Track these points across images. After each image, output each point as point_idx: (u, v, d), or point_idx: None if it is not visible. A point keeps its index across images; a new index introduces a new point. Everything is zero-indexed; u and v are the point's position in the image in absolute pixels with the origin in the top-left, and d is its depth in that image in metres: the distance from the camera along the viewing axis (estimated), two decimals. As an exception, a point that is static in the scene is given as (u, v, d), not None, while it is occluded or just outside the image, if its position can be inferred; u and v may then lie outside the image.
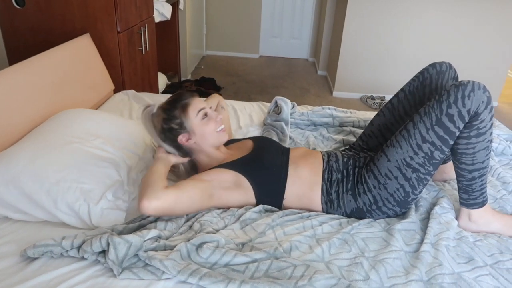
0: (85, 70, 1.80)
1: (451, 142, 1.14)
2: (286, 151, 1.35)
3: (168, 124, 1.24)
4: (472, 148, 1.13)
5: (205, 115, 1.26)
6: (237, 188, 1.21)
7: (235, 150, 1.37)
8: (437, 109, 1.11)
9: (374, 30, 3.64)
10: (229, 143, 1.44)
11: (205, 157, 1.31)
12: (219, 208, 1.22)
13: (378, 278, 0.98)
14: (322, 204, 1.25)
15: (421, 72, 1.35)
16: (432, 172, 1.19)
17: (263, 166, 1.25)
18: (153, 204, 1.03)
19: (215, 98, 1.59)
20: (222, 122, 1.53)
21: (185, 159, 1.31)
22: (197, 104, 1.26)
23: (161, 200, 1.05)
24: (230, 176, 1.21)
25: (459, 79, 1.12)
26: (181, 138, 1.25)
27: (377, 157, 1.23)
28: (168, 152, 1.28)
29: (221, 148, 1.35)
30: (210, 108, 1.31)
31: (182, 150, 1.28)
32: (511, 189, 1.38)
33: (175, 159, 1.28)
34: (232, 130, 1.78)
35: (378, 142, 1.42)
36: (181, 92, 1.30)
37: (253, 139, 1.42)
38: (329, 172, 1.27)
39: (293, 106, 1.95)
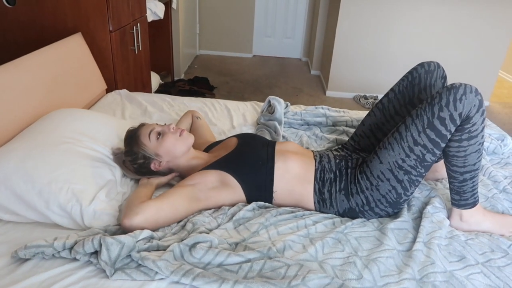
0: (77, 70, 1.79)
1: (443, 145, 1.14)
2: (272, 143, 1.36)
3: (136, 163, 1.28)
4: (463, 151, 1.14)
5: (158, 134, 1.28)
6: (224, 187, 1.21)
7: (219, 151, 1.38)
8: (429, 112, 1.12)
9: (367, 30, 3.65)
10: (213, 146, 1.45)
11: (186, 168, 1.33)
12: (210, 209, 1.22)
13: (371, 277, 0.98)
14: (314, 203, 1.25)
15: (410, 72, 1.36)
16: (424, 174, 1.19)
17: (247, 161, 1.26)
18: (134, 220, 1.04)
19: (187, 115, 1.66)
20: (200, 129, 1.59)
21: (169, 177, 1.34)
22: (145, 131, 1.28)
23: (140, 214, 1.05)
24: (214, 176, 1.22)
25: (451, 80, 1.13)
26: (154, 166, 1.29)
27: (369, 159, 1.24)
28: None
29: (200, 155, 1.35)
30: (158, 124, 1.33)
31: (164, 173, 1.33)
32: (502, 188, 1.40)
33: (157, 180, 1.30)
34: (224, 130, 1.78)
35: (369, 142, 1.43)
36: (129, 129, 1.33)
37: (238, 136, 1.43)
38: (322, 172, 1.27)
39: (287, 106, 1.95)
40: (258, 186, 1.24)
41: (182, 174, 1.35)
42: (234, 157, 1.28)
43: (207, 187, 1.20)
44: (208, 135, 1.60)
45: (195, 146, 1.46)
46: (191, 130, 1.63)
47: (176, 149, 1.28)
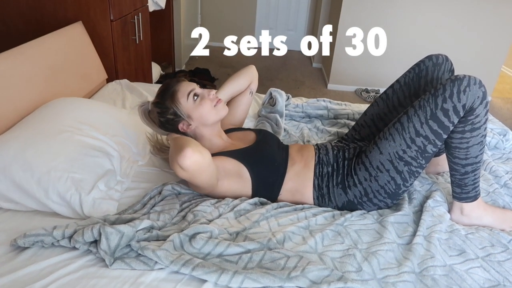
0: (78, 59, 1.77)
1: (445, 136, 1.14)
2: (286, 147, 1.35)
3: (164, 117, 1.23)
4: (466, 142, 1.14)
5: (196, 95, 1.24)
6: (237, 178, 1.21)
7: (236, 140, 1.35)
8: (432, 103, 1.11)
9: (369, 23, 3.62)
10: (230, 131, 1.42)
11: (207, 142, 1.29)
12: (214, 198, 1.21)
13: (371, 269, 0.98)
14: (314, 199, 1.25)
15: (417, 64, 1.35)
16: (424, 165, 1.19)
17: (266, 160, 1.25)
18: (195, 156, 1.01)
19: (249, 74, 1.46)
20: (241, 107, 1.49)
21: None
22: (184, 88, 1.23)
23: (203, 156, 1.03)
24: (232, 164, 1.21)
25: (456, 75, 1.11)
26: (181, 126, 1.24)
27: (369, 149, 1.23)
28: None
29: (222, 135, 1.33)
30: (199, 86, 1.27)
31: (186, 135, 1.27)
32: (503, 183, 1.39)
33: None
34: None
35: (370, 132, 1.42)
36: (167, 81, 1.27)
37: (256, 131, 1.40)
38: (320, 166, 1.26)
39: (288, 98, 1.94)
40: (268, 185, 1.24)
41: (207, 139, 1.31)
42: (254, 152, 1.26)
43: (224, 173, 1.19)
44: (241, 118, 1.51)
45: (222, 120, 1.38)
46: (232, 100, 1.48)
47: (209, 117, 1.24)
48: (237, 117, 1.50)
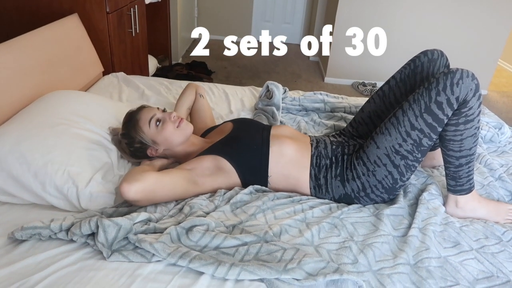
0: (74, 51, 1.76)
1: (440, 129, 1.15)
2: (268, 127, 1.36)
3: (132, 147, 1.27)
4: (460, 135, 1.15)
5: (158, 121, 1.26)
6: (220, 172, 1.21)
7: (214, 136, 1.38)
8: (426, 96, 1.12)
9: (366, 16, 3.61)
10: (209, 131, 1.45)
11: (182, 155, 1.32)
12: (206, 193, 1.22)
13: (367, 261, 0.99)
14: (310, 188, 1.26)
15: (413, 60, 1.35)
16: (420, 159, 1.20)
17: (242, 144, 1.25)
18: (133, 186, 1.03)
19: (191, 91, 1.60)
20: (201, 111, 1.57)
21: (170, 160, 1.34)
22: (145, 116, 1.26)
23: (141, 181, 1.04)
24: (210, 161, 1.22)
25: (448, 69, 1.12)
26: (150, 152, 1.28)
27: (366, 144, 1.23)
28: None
29: (195, 141, 1.34)
30: (159, 109, 1.30)
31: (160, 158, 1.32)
32: (498, 176, 1.40)
33: (160, 162, 1.30)
34: (222, 115, 1.77)
35: (368, 129, 1.42)
36: (129, 112, 1.31)
37: (233, 120, 1.42)
38: (318, 157, 1.27)
39: (285, 91, 1.94)
40: (253, 170, 1.24)
41: (177, 160, 1.35)
42: (228, 141, 1.28)
43: (203, 172, 1.20)
44: (208, 119, 1.58)
45: (193, 131, 1.45)
46: (192, 110, 1.60)
47: (174, 139, 1.27)
48: (205, 120, 1.56)
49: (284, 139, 1.28)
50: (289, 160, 1.25)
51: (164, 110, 1.31)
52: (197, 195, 1.19)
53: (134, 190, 1.03)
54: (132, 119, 1.27)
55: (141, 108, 1.30)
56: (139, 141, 1.26)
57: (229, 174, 1.22)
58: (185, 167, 1.19)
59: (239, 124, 1.37)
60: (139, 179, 1.05)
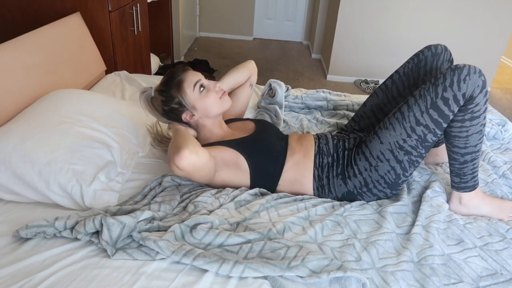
0: (76, 50, 1.77)
1: (445, 125, 1.14)
2: (285, 137, 1.35)
3: (168, 106, 1.23)
4: (465, 131, 1.14)
5: (202, 86, 1.24)
6: (234, 168, 1.21)
7: (235, 130, 1.35)
8: (433, 92, 1.12)
9: (369, 13, 3.60)
10: (230, 121, 1.42)
11: (208, 132, 1.29)
12: (214, 188, 1.22)
13: (370, 259, 0.99)
14: (314, 189, 1.25)
15: (417, 54, 1.35)
16: (424, 155, 1.19)
17: (264, 149, 1.25)
18: (192, 158, 1.02)
19: (246, 72, 1.47)
20: (241, 100, 1.50)
21: (195, 134, 1.30)
22: (191, 78, 1.23)
23: (200, 156, 1.05)
24: (230, 154, 1.21)
25: (456, 64, 1.12)
26: (185, 116, 1.24)
27: (369, 139, 1.23)
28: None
29: (223, 125, 1.33)
30: (204, 77, 1.27)
31: (188, 125, 1.28)
32: (502, 173, 1.40)
33: (193, 132, 1.27)
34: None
35: (369, 122, 1.42)
36: (173, 70, 1.26)
37: (255, 121, 1.40)
38: (320, 156, 1.27)
39: (287, 89, 1.94)
40: (266, 176, 1.24)
41: (201, 136, 1.31)
42: (252, 141, 1.26)
43: (223, 162, 1.19)
44: (241, 110, 1.52)
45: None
46: (233, 92, 1.50)
47: (213, 109, 1.24)
48: (238, 109, 1.50)
49: (296, 147, 1.29)
50: (297, 167, 1.25)
51: (207, 78, 1.27)
52: (201, 191, 1.19)
53: (189, 161, 1.02)
54: (176, 78, 1.23)
55: (187, 69, 1.26)
56: (178, 102, 1.22)
57: (243, 173, 1.22)
58: (209, 151, 1.16)
59: (261, 127, 1.35)
60: (199, 153, 1.04)
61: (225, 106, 1.27)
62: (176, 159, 1.02)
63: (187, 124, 1.28)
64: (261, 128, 1.34)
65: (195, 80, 1.23)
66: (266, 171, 1.24)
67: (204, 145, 1.21)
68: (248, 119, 1.44)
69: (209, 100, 1.23)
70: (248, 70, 1.48)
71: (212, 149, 1.18)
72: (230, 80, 1.43)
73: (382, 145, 1.19)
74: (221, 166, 1.19)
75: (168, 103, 1.22)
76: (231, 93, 1.49)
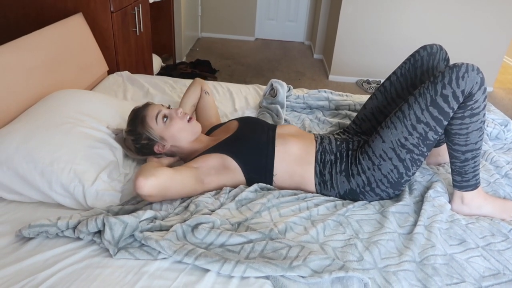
0: (78, 51, 1.77)
1: (445, 123, 1.15)
2: (273, 127, 1.36)
3: (138, 143, 1.27)
4: (465, 128, 1.15)
5: (164, 117, 1.26)
6: (225, 171, 1.22)
7: (219, 135, 1.38)
8: (432, 90, 1.12)
9: (371, 14, 3.60)
10: (214, 129, 1.45)
11: (188, 152, 1.32)
12: (212, 191, 1.22)
13: (372, 259, 0.99)
14: (315, 185, 1.26)
15: (413, 55, 1.35)
16: (426, 153, 1.20)
17: (247, 143, 1.26)
18: (149, 181, 1.04)
19: (196, 87, 1.58)
20: (207, 108, 1.56)
21: (176, 159, 1.34)
22: (152, 112, 1.26)
23: (156, 176, 1.05)
24: (215, 159, 1.22)
25: (454, 62, 1.13)
26: (157, 148, 1.28)
27: (371, 139, 1.24)
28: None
29: (202, 139, 1.35)
30: (164, 106, 1.31)
31: (166, 156, 1.32)
32: (504, 173, 1.40)
33: (167, 161, 1.30)
34: (227, 113, 1.78)
35: (371, 125, 1.43)
36: (134, 109, 1.31)
37: (238, 119, 1.42)
38: (322, 153, 1.27)
39: (289, 89, 1.94)
40: (258, 169, 1.24)
41: (183, 158, 1.35)
42: (234, 139, 1.28)
43: (209, 171, 1.20)
44: (213, 117, 1.58)
45: None
46: (197, 108, 1.59)
47: (182, 136, 1.28)
48: (210, 118, 1.56)
49: (289, 138, 1.29)
50: (294, 159, 1.25)
51: (169, 107, 1.31)
52: (202, 193, 1.19)
53: (149, 185, 1.04)
54: (139, 116, 1.27)
55: (147, 105, 1.30)
56: (146, 137, 1.25)
57: (234, 172, 1.23)
58: (192, 165, 1.20)
59: (244, 123, 1.37)
60: (154, 174, 1.06)
61: (196, 130, 1.30)
62: (137, 190, 1.04)
63: (163, 154, 1.31)
64: (243, 125, 1.36)
65: (156, 112, 1.26)
66: (257, 165, 1.24)
67: (189, 161, 1.24)
68: (232, 119, 1.45)
69: (175, 128, 1.26)
70: (197, 85, 1.59)
71: (193, 162, 1.21)
72: (186, 101, 1.54)
73: (385, 144, 1.19)
74: (209, 173, 1.20)
75: (138, 141, 1.27)
76: (197, 109, 1.58)
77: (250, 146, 1.25)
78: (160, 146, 1.27)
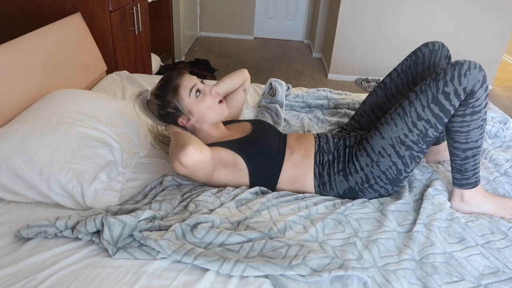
0: (77, 50, 1.77)
1: (446, 120, 1.15)
2: (284, 136, 1.35)
3: (164, 110, 1.23)
4: (466, 126, 1.14)
5: (198, 91, 1.23)
6: (232, 168, 1.22)
7: (233, 131, 1.36)
8: (434, 87, 1.12)
9: (370, 12, 3.60)
10: (227, 123, 1.43)
11: (204, 135, 1.29)
12: (214, 187, 1.22)
13: (371, 257, 0.99)
14: (315, 187, 1.26)
15: (414, 52, 1.35)
16: (425, 150, 1.19)
17: (262, 149, 1.25)
18: (196, 154, 1.04)
19: (239, 78, 1.49)
20: (234, 103, 1.52)
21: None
22: (187, 83, 1.23)
23: (203, 153, 1.06)
24: (228, 155, 1.21)
25: (456, 60, 1.12)
26: (181, 121, 1.25)
27: (370, 135, 1.23)
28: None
29: (220, 127, 1.33)
30: (201, 81, 1.28)
31: (185, 129, 1.28)
32: (504, 171, 1.40)
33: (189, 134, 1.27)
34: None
35: (369, 120, 1.42)
36: (169, 74, 1.26)
37: (252, 121, 1.41)
38: (320, 154, 1.27)
39: (288, 88, 1.94)
40: (265, 174, 1.24)
41: (198, 138, 1.29)
42: (249, 141, 1.27)
43: (221, 163, 1.20)
44: (236, 114, 1.54)
45: None
46: (228, 97, 1.52)
47: (210, 115, 1.25)
48: (232, 113, 1.52)
49: (296, 147, 1.29)
50: (297, 167, 1.26)
51: (202, 82, 1.28)
52: (202, 190, 1.19)
53: (194, 157, 1.04)
54: (172, 82, 1.22)
55: (182, 73, 1.26)
56: (174, 107, 1.22)
57: (241, 172, 1.22)
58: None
59: (258, 126, 1.36)
60: (203, 150, 1.06)
61: (223, 113, 1.28)
62: (181, 155, 1.02)
63: (183, 127, 1.28)
64: (258, 128, 1.34)
65: (191, 84, 1.23)
66: (264, 171, 1.24)
67: None
68: (245, 120, 1.44)
69: (205, 104, 1.23)
70: (241, 77, 1.51)
71: (210, 150, 1.18)
72: (225, 85, 1.46)
73: (384, 140, 1.19)
74: (219, 166, 1.20)
75: (164, 108, 1.23)
76: (226, 97, 1.52)
77: (263, 150, 1.25)
78: (185, 119, 1.24)
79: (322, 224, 1.08)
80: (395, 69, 1.38)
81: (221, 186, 1.23)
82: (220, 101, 1.27)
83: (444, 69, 1.11)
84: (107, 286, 0.86)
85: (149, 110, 1.27)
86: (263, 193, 1.23)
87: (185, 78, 1.24)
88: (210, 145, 1.23)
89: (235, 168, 1.22)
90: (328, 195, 1.25)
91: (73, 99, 1.37)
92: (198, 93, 1.23)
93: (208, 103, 1.24)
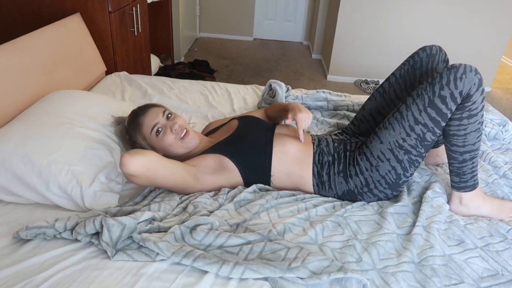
0: (76, 51, 1.77)
1: (443, 124, 1.15)
2: (272, 127, 1.36)
3: (134, 144, 1.29)
4: (463, 129, 1.15)
5: (158, 131, 1.23)
6: (222, 171, 1.22)
7: (220, 135, 1.37)
8: (430, 91, 1.12)
9: (369, 14, 3.60)
10: (216, 130, 1.44)
11: (184, 156, 1.30)
12: (209, 191, 1.22)
13: (371, 260, 0.99)
14: (313, 185, 1.26)
15: (412, 56, 1.35)
16: (424, 154, 1.20)
17: (245, 144, 1.25)
18: (134, 160, 1.01)
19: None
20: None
21: None
22: (149, 121, 1.24)
23: (143, 156, 1.03)
24: (212, 160, 1.22)
25: (452, 63, 1.12)
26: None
27: (369, 140, 1.24)
28: None
29: (202, 140, 1.34)
30: (165, 113, 1.26)
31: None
32: (502, 174, 1.40)
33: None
34: (225, 114, 1.77)
35: (369, 126, 1.43)
36: (136, 110, 1.28)
37: (239, 118, 1.42)
38: (320, 155, 1.27)
39: (288, 90, 1.94)
40: (256, 169, 1.24)
41: (181, 159, 1.33)
42: (232, 140, 1.28)
43: (206, 170, 1.20)
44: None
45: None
46: (268, 117, 1.51)
47: (173, 151, 1.26)
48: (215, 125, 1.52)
49: (287, 138, 1.29)
50: (291, 159, 1.25)
51: (169, 115, 1.27)
52: (200, 193, 1.19)
53: (134, 163, 1.01)
54: (135, 121, 1.26)
55: (147, 109, 1.27)
56: (140, 142, 1.27)
57: (232, 173, 1.22)
58: (189, 163, 1.20)
59: (244, 122, 1.37)
60: (141, 153, 1.04)
61: (188, 146, 1.27)
62: (121, 167, 1.02)
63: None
64: (242, 125, 1.35)
65: (153, 123, 1.24)
66: (254, 165, 1.24)
67: (186, 160, 1.23)
68: (234, 117, 1.44)
69: (165, 143, 1.24)
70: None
71: (192, 161, 1.21)
72: (272, 112, 1.48)
73: (382, 145, 1.19)
74: (205, 172, 1.20)
75: (133, 143, 1.29)
76: (267, 115, 1.52)
77: (248, 146, 1.25)
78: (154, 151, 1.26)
79: (322, 226, 1.08)
80: (393, 74, 1.39)
81: (216, 190, 1.23)
82: (185, 134, 1.25)
83: (440, 73, 1.12)
84: (106, 288, 0.86)
85: (124, 140, 1.33)
86: (261, 190, 1.22)
87: (147, 115, 1.25)
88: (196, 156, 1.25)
89: (225, 170, 1.22)
90: (327, 195, 1.26)
91: (72, 100, 1.37)
92: (158, 132, 1.23)
93: (168, 141, 1.23)
